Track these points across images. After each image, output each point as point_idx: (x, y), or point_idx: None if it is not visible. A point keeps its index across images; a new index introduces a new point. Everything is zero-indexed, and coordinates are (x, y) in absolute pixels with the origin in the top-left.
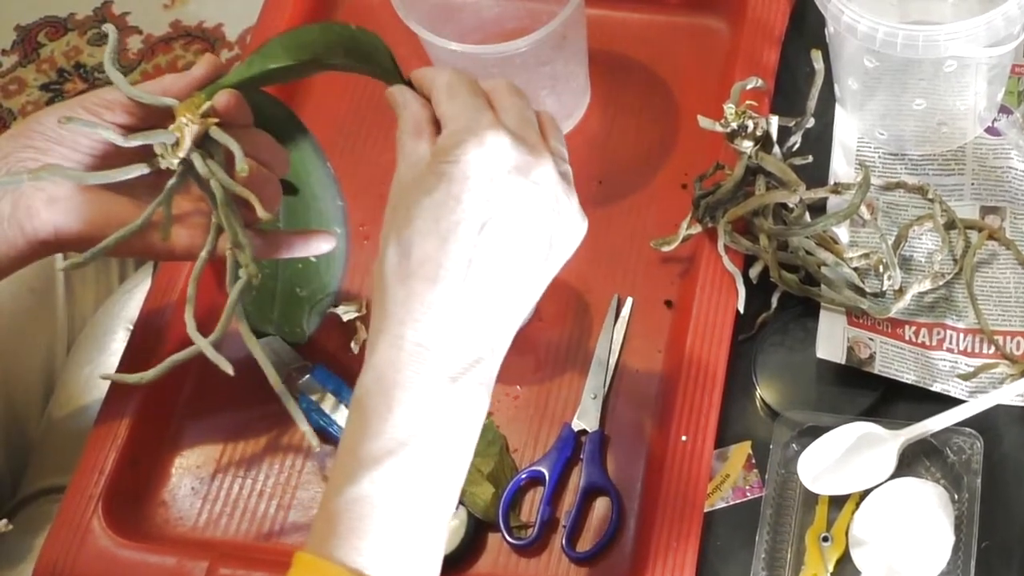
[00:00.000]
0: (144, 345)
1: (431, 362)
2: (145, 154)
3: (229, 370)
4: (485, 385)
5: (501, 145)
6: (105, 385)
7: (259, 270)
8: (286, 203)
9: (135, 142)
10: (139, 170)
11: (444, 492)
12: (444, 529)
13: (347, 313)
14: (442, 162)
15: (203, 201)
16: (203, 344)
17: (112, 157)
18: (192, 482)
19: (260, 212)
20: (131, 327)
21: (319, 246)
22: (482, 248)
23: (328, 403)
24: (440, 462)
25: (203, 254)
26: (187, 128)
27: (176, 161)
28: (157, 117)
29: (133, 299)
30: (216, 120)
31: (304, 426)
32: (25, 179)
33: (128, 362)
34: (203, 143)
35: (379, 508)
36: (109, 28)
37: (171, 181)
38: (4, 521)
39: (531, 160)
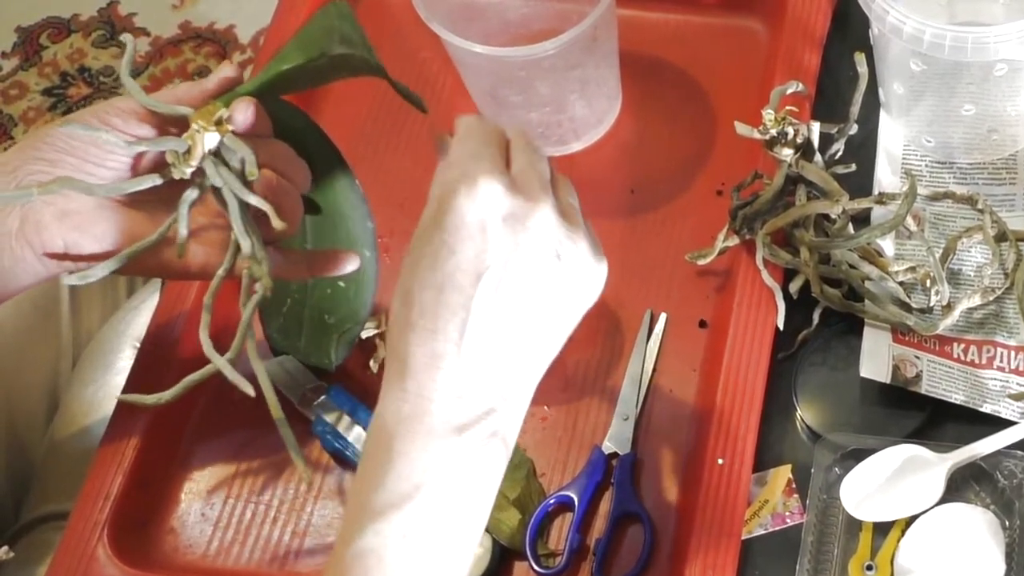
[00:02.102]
0: (152, 364)
1: (434, 414)
2: (160, 166)
3: (249, 390)
4: (500, 437)
5: (493, 193)
6: (111, 405)
7: (287, 292)
8: (313, 224)
9: (142, 147)
10: (151, 180)
11: (456, 546)
12: None
13: (366, 330)
14: (439, 210)
15: (221, 217)
16: (221, 363)
17: (130, 170)
18: (202, 507)
19: (275, 223)
20: (138, 345)
21: (344, 266)
22: (480, 299)
23: (344, 425)
24: (450, 516)
25: (220, 272)
26: (200, 135)
27: (189, 170)
28: (174, 127)
29: (140, 315)
30: (231, 128)
31: (298, 460)
32: (35, 193)
33: (135, 381)
34: (219, 153)
35: (386, 562)
36: (127, 38)
37: (187, 193)
38: (5, 548)
39: (527, 206)
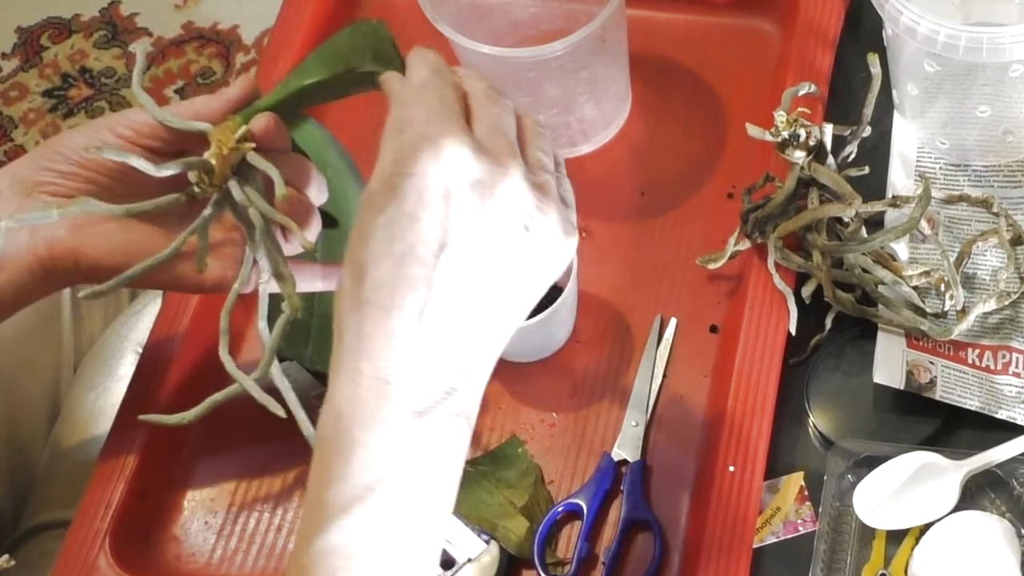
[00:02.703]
0: (154, 370)
1: (393, 397)
2: (176, 180)
3: (280, 412)
4: (463, 416)
5: (460, 156)
6: (113, 412)
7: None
8: (325, 234)
9: (168, 171)
10: (174, 200)
11: (425, 536)
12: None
13: None
14: (396, 174)
15: (236, 230)
16: (249, 385)
17: (139, 182)
18: (205, 516)
19: (302, 241)
20: (140, 350)
21: None
22: (442, 271)
23: None
24: (416, 504)
25: (236, 286)
26: (222, 154)
27: (213, 192)
28: (188, 140)
29: (142, 320)
30: (253, 145)
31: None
32: (55, 215)
33: (137, 388)
34: (239, 170)
35: (354, 559)
36: (137, 47)
37: (206, 210)
38: (5, 557)
39: (495, 172)
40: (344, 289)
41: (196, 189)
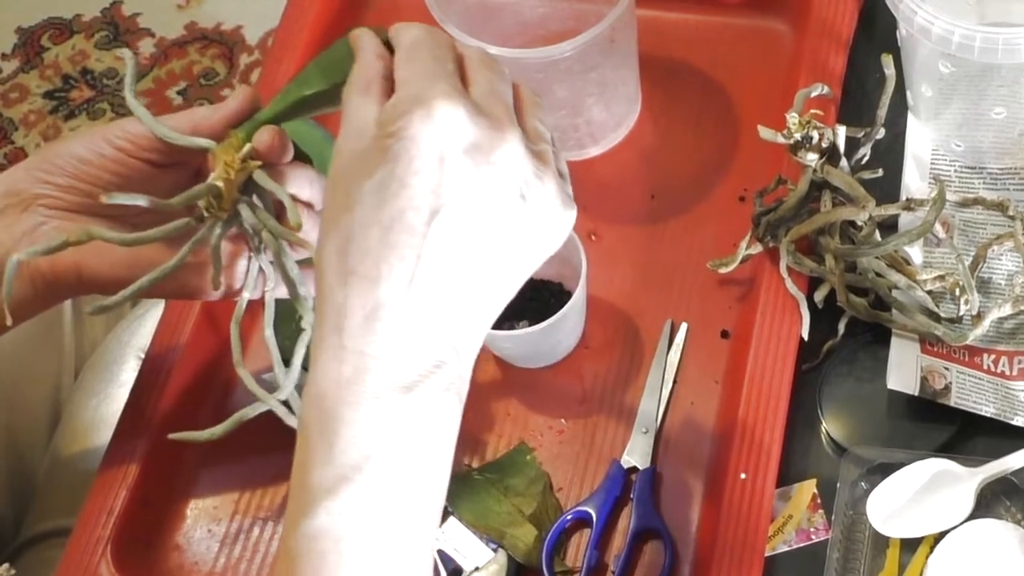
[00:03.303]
0: (156, 376)
1: (378, 372)
2: (177, 189)
3: None
4: (453, 391)
5: (455, 118)
6: (114, 418)
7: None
8: None
9: (181, 203)
10: (183, 224)
11: (419, 516)
12: (427, 558)
13: None
14: (385, 136)
15: (240, 239)
16: (273, 404)
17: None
18: (208, 524)
19: (314, 255)
20: (142, 356)
21: None
22: (433, 240)
23: None
24: (407, 483)
25: (245, 295)
26: (230, 178)
27: (224, 215)
28: (186, 151)
29: (144, 326)
30: (259, 164)
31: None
32: (67, 246)
33: (139, 395)
34: (245, 185)
35: (344, 542)
36: (126, 54)
37: (216, 230)
38: (6, 566)
39: (492, 136)
40: (327, 260)
41: (206, 214)
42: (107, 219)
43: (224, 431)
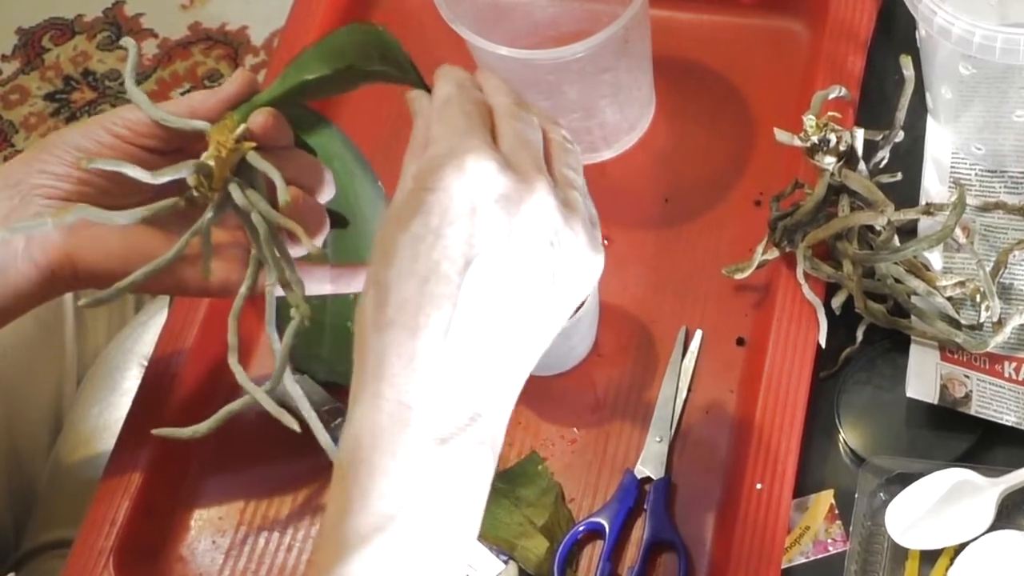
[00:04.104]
0: (160, 384)
1: (415, 423)
2: (178, 181)
3: (294, 426)
4: (487, 444)
5: (485, 172)
6: (117, 427)
7: (309, 306)
8: (335, 232)
9: (165, 178)
10: (172, 205)
11: (446, 566)
12: None
13: None
14: (420, 189)
15: (240, 230)
16: (261, 397)
17: (138, 183)
18: (213, 535)
19: (307, 245)
20: (145, 363)
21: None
22: (467, 289)
23: None
24: (438, 535)
25: (243, 290)
26: (221, 156)
27: (215, 195)
28: (185, 138)
29: (148, 332)
30: (253, 145)
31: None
32: (51, 224)
33: (142, 402)
34: (240, 169)
35: None
36: (128, 42)
37: (208, 214)
38: None
39: (521, 188)
40: (366, 311)
41: (195, 193)
42: (107, 208)
43: (209, 428)
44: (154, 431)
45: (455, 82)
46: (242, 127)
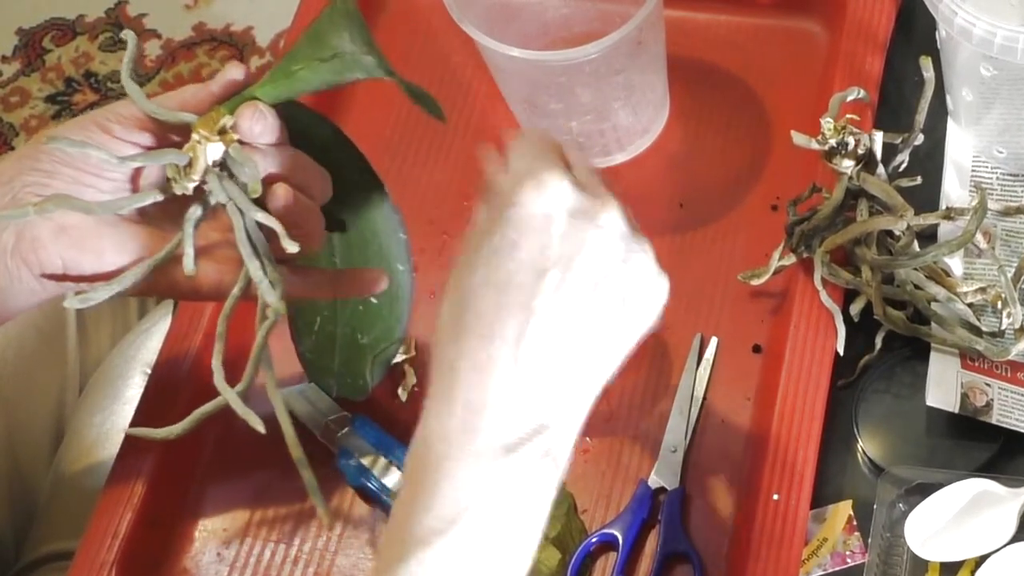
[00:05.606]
0: (162, 393)
1: (483, 430)
2: (166, 178)
3: (260, 427)
4: (552, 457)
5: (561, 188)
6: (119, 436)
7: (316, 309)
8: (342, 239)
9: (135, 164)
10: (151, 197)
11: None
12: None
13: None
14: (500, 206)
15: (233, 231)
16: (231, 396)
17: (131, 181)
18: (217, 547)
19: (285, 243)
20: (148, 371)
21: (373, 287)
22: (542, 299)
23: (369, 459)
24: (497, 542)
25: (235, 291)
26: (201, 146)
27: (191, 185)
28: (181, 133)
29: (151, 339)
30: (237, 137)
31: (320, 507)
32: (31, 212)
33: (145, 411)
34: (224, 165)
35: None
36: (128, 35)
37: (194, 209)
38: None
39: (595, 203)
40: (443, 321)
41: (173, 183)
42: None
43: (183, 430)
44: (128, 430)
45: (531, 130)
46: (226, 119)
